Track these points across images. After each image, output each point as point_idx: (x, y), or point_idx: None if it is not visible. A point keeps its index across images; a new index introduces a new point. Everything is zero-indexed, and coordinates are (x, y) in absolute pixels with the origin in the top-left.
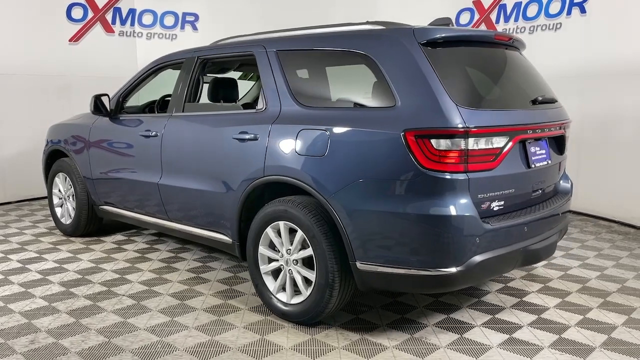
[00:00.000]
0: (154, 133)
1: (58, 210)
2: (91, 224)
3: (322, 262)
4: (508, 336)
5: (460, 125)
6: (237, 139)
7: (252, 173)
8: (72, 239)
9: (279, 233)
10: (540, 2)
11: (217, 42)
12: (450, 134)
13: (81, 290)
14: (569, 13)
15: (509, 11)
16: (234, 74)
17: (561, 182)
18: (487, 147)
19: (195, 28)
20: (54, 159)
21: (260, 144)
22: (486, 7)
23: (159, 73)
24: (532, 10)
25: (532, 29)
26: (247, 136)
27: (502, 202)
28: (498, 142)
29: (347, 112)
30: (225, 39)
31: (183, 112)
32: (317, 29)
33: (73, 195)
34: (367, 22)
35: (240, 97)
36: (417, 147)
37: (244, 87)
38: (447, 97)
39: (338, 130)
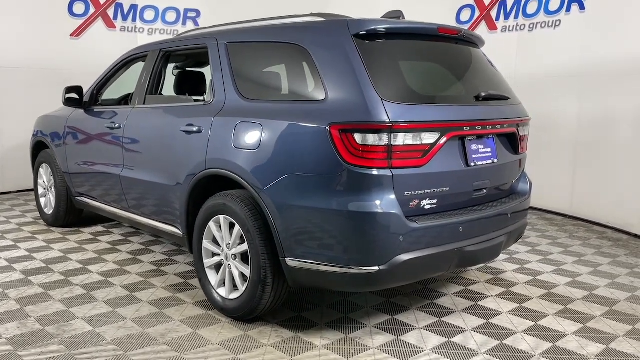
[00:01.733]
0: (117, 125)
1: (42, 200)
2: (70, 214)
3: (256, 258)
4: (446, 340)
5: (384, 120)
6: (184, 131)
7: (195, 166)
8: (53, 229)
9: (221, 227)
10: None
11: (181, 34)
12: (374, 128)
13: (39, 278)
14: (568, 10)
15: (509, 8)
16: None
17: (519, 182)
18: (415, 143)
19: (196, 24)
20: (40, 149)
21: (203, 137)
22: (487, 4)
23: (130, 66)
24: (532, 7)
25: (532, 26)
26: (193, 128)
27: (435, 201)
28: (427, 138)
29: (282, 105)
30: (188, 31)
31: (144, 104)
32: (265, 21)
33: (54, 186)
34: (311, 14)
35: None
36: (340, 141)
37: None
38: (373, 91)
39: (270, 123)
